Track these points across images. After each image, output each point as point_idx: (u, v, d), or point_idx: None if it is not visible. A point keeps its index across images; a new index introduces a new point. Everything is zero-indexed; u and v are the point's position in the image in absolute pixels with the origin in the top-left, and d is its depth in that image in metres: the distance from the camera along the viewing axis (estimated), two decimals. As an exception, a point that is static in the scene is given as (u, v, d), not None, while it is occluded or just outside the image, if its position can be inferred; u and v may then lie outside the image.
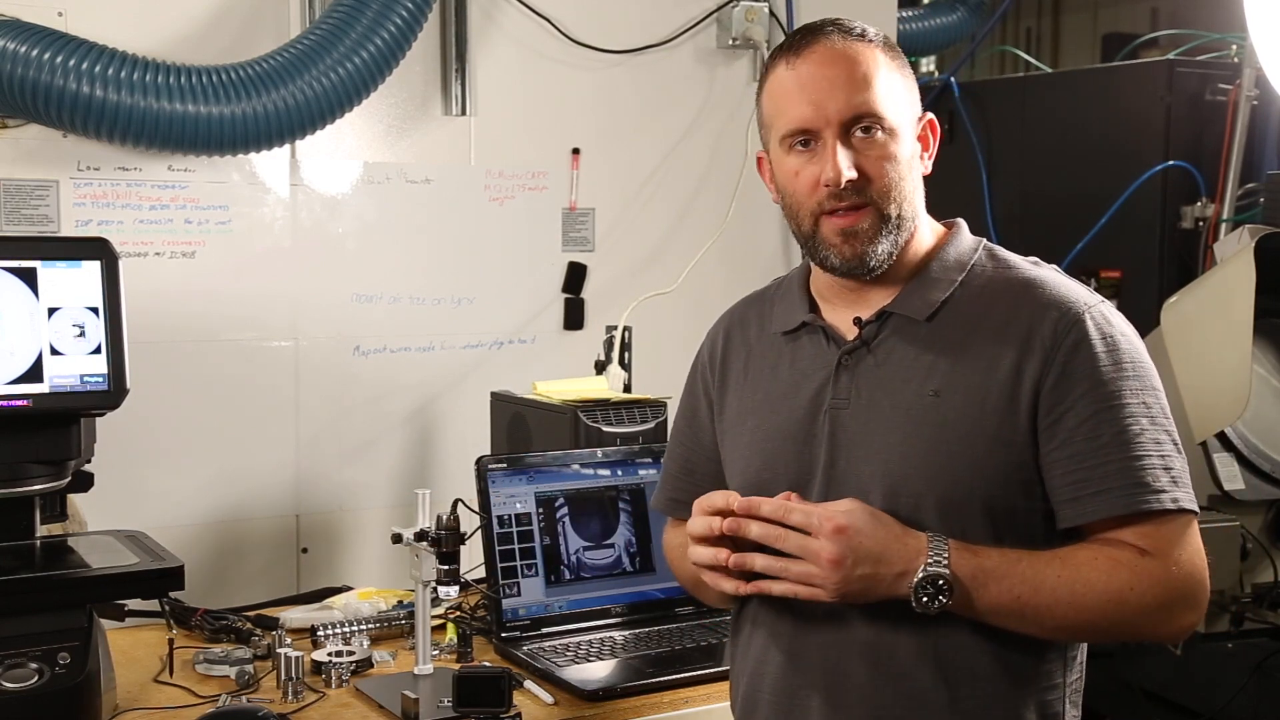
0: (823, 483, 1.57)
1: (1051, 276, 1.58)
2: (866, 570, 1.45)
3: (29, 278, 1.98)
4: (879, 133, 1.52)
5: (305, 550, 3.06)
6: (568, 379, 2.90)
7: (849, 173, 1.50)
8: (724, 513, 1.51)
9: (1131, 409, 1.48)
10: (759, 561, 1.49)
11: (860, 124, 1.52)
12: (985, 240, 1.64)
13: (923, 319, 1.56)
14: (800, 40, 1.56)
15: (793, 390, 1.63)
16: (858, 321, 1.59)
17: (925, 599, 1.45)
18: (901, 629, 1.50)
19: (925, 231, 1.62)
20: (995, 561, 1.46)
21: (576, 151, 3.34)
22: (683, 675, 2.16)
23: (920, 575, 1.44)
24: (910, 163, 1.55)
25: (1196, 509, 1.50)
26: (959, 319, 1.55)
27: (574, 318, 3.35)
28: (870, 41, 1.55)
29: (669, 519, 1.86)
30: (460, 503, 2.16)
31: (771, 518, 1.49)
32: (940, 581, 1.44)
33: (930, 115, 1.62)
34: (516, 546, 2.37)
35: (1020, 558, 1.47)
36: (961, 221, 1.67)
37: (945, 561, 1.44)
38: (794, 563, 1.47)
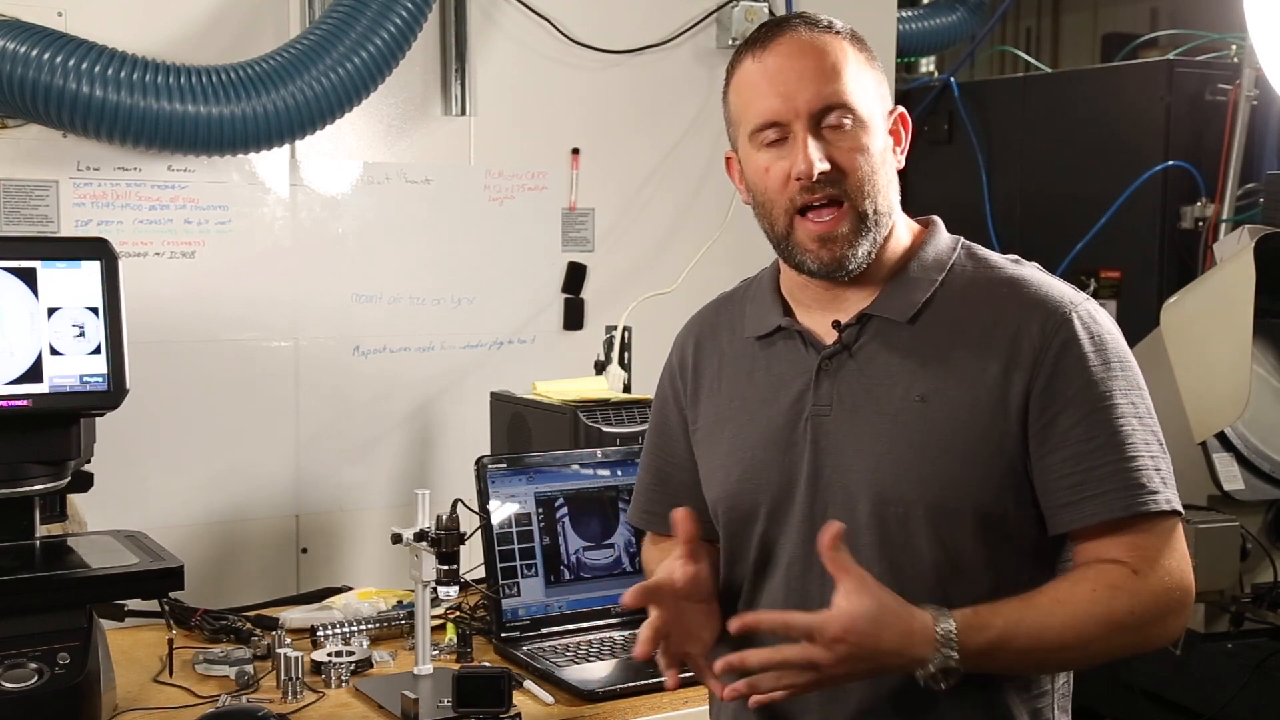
0: (807, 492, 1.53)
1: (1034, 275, 1.54)
2: (869, 666, 1.41)
3: (29, 278, 1.98)
4: (850, 124, 1.48)
5: (305, 550, 3.07)
6: (568, 379, 2.90)
7: (821, 164, 1.46)
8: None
9: (1123, 409, 1.46)
10: (764, 683, 1.42)
11: (831, 115, 1.47)
12: (963, 238, 1.60)
13: (904, 321, 1.52)
14: (766, 34, 1.53)
15: (771, 397, 1.58)
16: (836, 325, 1.55)
17: (934, 684, 1.41)
18: None
19: (901, 229, 1.57)
20: (1000, 629, 1.41)
21: (576, 151, 3.34)
22: (682, 675, 2.15)
23: (932, 668, 1.39)
24: (883, 156, 1.52)
25: (1183, 509, 1.49)
26: (942, 321, 1.51)
27: (574, 318, 3.35)
28: (838, 33, 1.52)
29: (647, 534, 1.80)
30: (460, 503, 2.16)
31: (770, 631, 1.43)
32: (950, 674, 1.40)
33: (901, 109, 1.57)
34: (516, 546, 2.37)
35: (1023, 614, 1.42)
36: (937, 219, 1.62)
37: (955, 657, 1.39)
38: (797, 677, 1.41)
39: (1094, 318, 1.50)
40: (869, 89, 1.51)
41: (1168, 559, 1.46)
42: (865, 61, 1.52)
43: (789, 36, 1.51)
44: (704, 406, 1.66)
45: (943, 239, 1.59)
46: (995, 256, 1.58)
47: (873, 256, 1.52)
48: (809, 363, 1.56)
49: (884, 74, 1.57)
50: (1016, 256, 1.59)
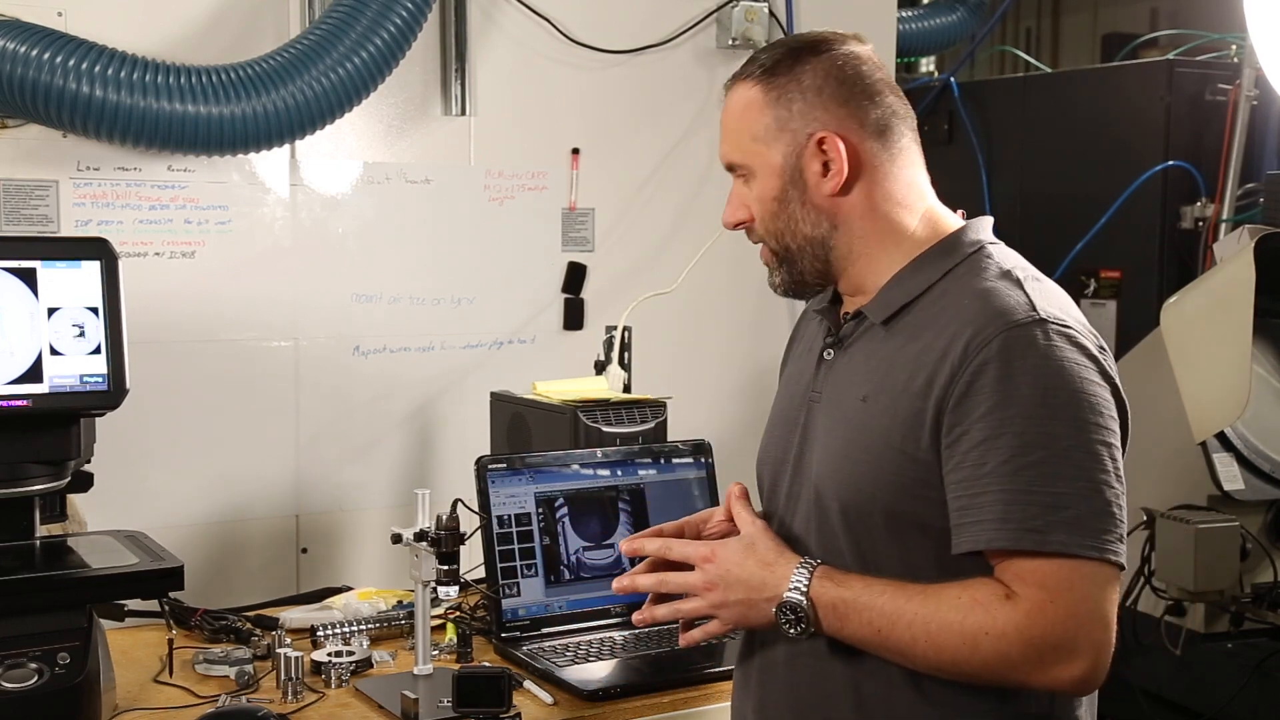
0: (791, 472, 1.61)
1: (1001, 289, 1.47)
2: (739, 595, 1.51)
3: (29, 278, 1.98)
4: (746, 177, 1.59)
5: (305, 550, 3.07)
6: (568, 379, 2.90)
7: (729, 218, 1.61)
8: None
9: (1030, 439, 1.38)
10: (659, 613, 1.59)
11: (734, 171, 1.60)
12: (987, 243, 1.56)
13: (878, 322, 1.55)
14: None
15: (798, 377, 1.67)
16: (845, 317, 1.61)
17: (786, 624, 1.48)
18: (820, 650, 1.51)
19: (911, 235, 1.55)
20: (857, 592, 1.45)
21: (576, 151, 3.34)
22: (683, 675, 2.16)
23: (780, 601, 1.48)
24: (782, 198, 1.55)
25: (1094, 556, 1.38)
26: (909, 326, 1.52)
27: (574, 318, 3.35)
28: (748, 78, 1.57)
29: None
30: (460, 503, 2.16)
31: (655, 555, 1.60)
32: (798, 609, 1.47)
33: (818, 134, 1.52)
34: (516, 547, 2.37)
35: (884, 590, 1.44)
36: (975, 222, 1.59)
37: (803, 588, 1.47)
38: (683, 602, 1.57)
39: (1032, 340, 1.41)
40: (764, 135, 1.56)
41: (1058, 597, 1.38)
42: (769, 104, 1.55)
43: (727, 91, 1.62)
44: (782, 378, 1.77)
45: (961, 243, 1.55)
46: (993, 265, 1.52)
47: (801, 284, 1.61)
48: (819, 350, 1.64)
49: (805, 103, 1.53)
50: (1013, 268, 1.51)
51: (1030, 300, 1.45)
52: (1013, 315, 1.43)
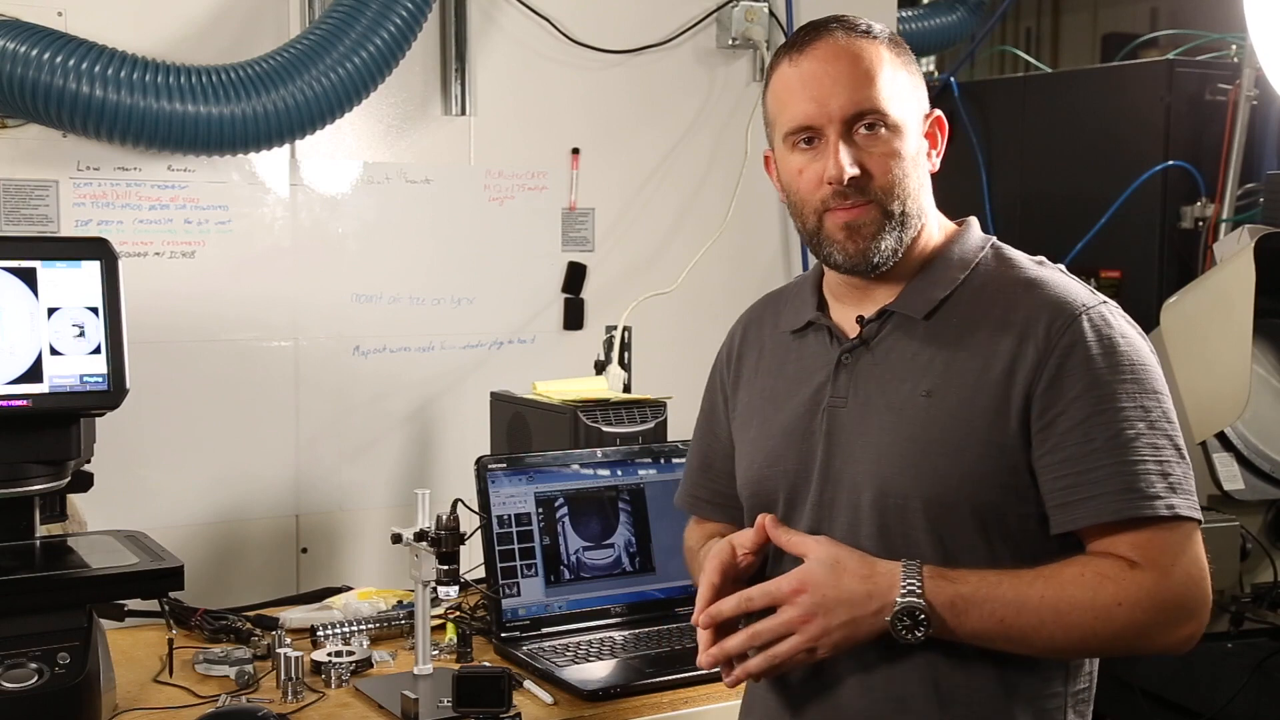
0: (818, 481, 1.57)
1: (1053, 277, 1.55)
2: (843, 616, 1.45)
3: (29, 278, 1.98)
4: (882, 129, 1.52)
5: (305, 550, 3.07)
6: (568, 379, 2.90)
7: (851, 169, 1.50)
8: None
9: (1128, 413, 1.45)
10: (753, 666, 1.50)
11: (863, 121, 1.51)
12: (995, 239, 1.62)
13: (920, 317, 1.55)
14: (804, 37, 1.56)
15: (795, 388, 1.63)
16: (860, 320, 1.59)
17: (904, 630, 1.44)
18: (894, 659, 1.50)
19: (934, 229, 1.61)
20: (974, 586, 1.44)
21: (576, 151, 3.34)
22: (683, 675, 2.15)
23: (896, 608, 1.44)
24: (915, 160, 1.55)
25: (1197, 517, 1.46)
26: (957, 318, 1.54)
27: (574, 318, 3.35)
28: (875, 38, 1.54)
29: (692, 517, 1.86)
30: (460, 503, 2.16)
31: (735, 614, 1.52)
32: (917, 613, 1.43)
33: (938, 112, 1.60)
34: (516, 546, 2.37)
35: (1001, 580, 1.45)
36: (973, 220, 1.65)
37: (919, 591, 1.43)
38: (779, 645, 1.48)
39: (1107, 321, 1.50)
40: (904, 94, 1.54)
41: (1174, 561, 1.44)
42: (902, 65, 1.55)
43: (825, 41, 1.54)
44: (742, 395, 1.73)
45: (973, 239, 1.61)
46: (1022, 258, 1.59)
47: (899, 254, 1.55)
48: (831, 356, 1.61)
49: (921, 77, 1.59)
50: (1043, 259, 1.60)
51: (1084, 287, 1.54)
52: (1083, 299, 1.51)
